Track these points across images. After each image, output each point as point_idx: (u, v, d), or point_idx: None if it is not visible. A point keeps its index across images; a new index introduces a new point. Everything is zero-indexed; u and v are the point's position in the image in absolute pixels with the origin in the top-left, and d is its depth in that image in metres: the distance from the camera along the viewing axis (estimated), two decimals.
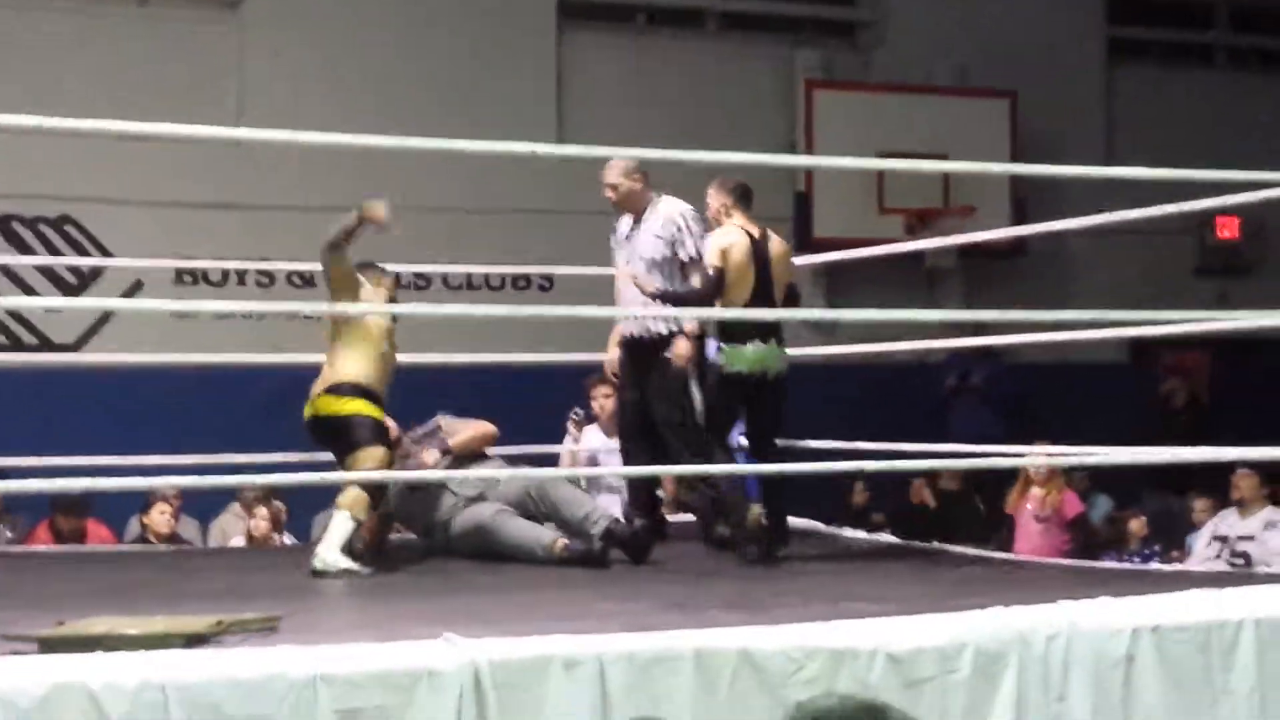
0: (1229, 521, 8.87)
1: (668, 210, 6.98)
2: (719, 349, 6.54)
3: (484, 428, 7.03)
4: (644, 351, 7.00)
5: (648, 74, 13.07)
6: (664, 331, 6.91)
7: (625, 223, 7.12)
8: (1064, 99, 13.99)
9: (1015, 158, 13.01)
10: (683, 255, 6.91)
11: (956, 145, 12.39)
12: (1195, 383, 13.74)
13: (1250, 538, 8.70)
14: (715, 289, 6.42)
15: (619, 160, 6.94)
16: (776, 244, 6.68)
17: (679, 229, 6.92)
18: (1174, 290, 13.41)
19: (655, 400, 6.96)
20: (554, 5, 12.84)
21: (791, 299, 6.96)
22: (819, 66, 13.52)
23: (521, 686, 3.97)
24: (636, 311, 6.85)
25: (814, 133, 13.07)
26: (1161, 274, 13.95)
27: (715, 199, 6.64)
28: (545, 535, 6.40)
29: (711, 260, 6.45)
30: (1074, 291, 13.39)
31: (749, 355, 6.46)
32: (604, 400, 8.08)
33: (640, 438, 7.04)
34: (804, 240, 12.83)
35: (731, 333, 6.48)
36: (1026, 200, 13.21)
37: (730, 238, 6.51)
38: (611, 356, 7.26)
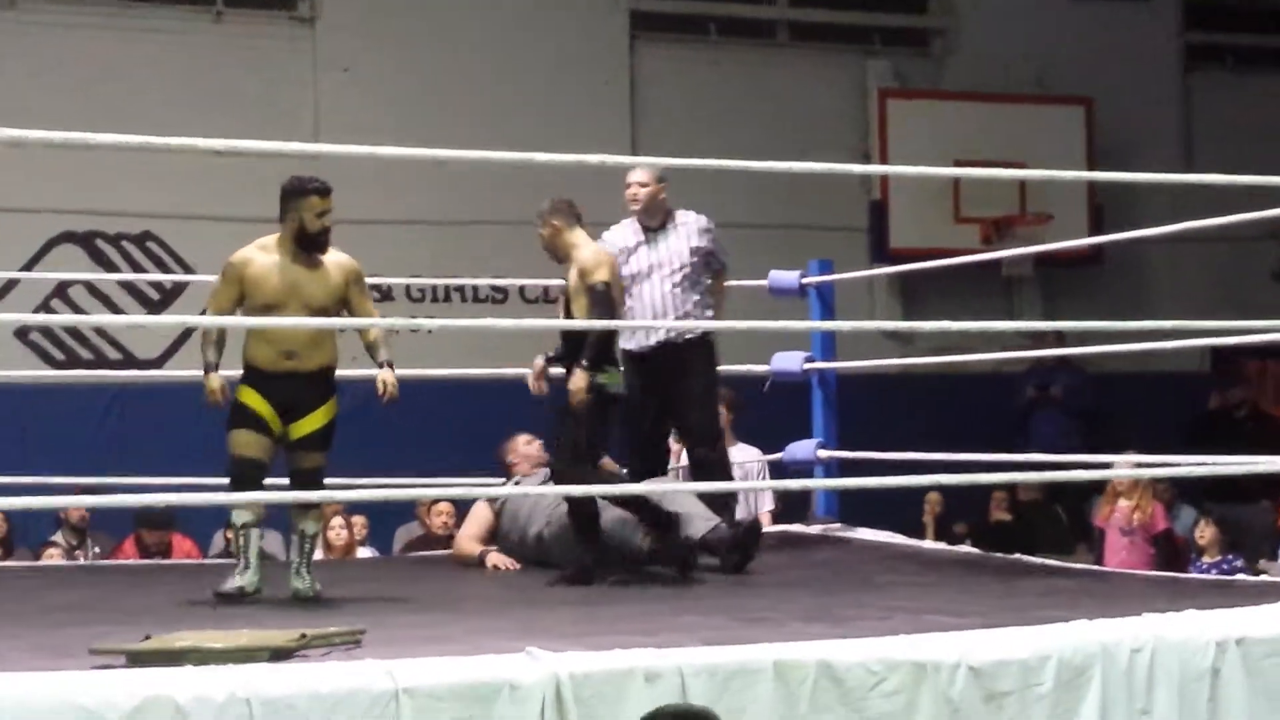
0: None
1: (694, 220, 7.09)
2: (599, 372, 6.22)
3: None
4: (666, 361, 6.98)
5: (720, 85, 13.08)
6: (689, 337, 6.95)
7: (628, 231, 7.13)
8: (1140, 105, 13.87)
9: (1091, 165, 12.93)
10: (714, 265, 7.10)
11: (1032, 153, 12.33)
12: (1261, 393, 13.59)
13: None
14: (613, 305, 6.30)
15: (645, 167, 7.07)
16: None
17: (714, 238, 7.09)
18: (1254, 297, 13.30)
19: (691, 409, 6.98)
20: (626, 18, 12.87)
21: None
22: (892, 75, 13.48)
23: (603, 699, 3.99)
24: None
25: (888, 142, 13.03)
26: (1241, 281, 13.82)
27: (561, 218, 6.42)
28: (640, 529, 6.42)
29: (603, 276, 6.24)
30: (1153, 299, 13.28)
31: (619, 375, 6.38)
32: None
33: (651, 452, 7.10)
34: (880, 250, 12.82)
35: (611, 354, 6.36)
36: (1104, 207, 13.12)
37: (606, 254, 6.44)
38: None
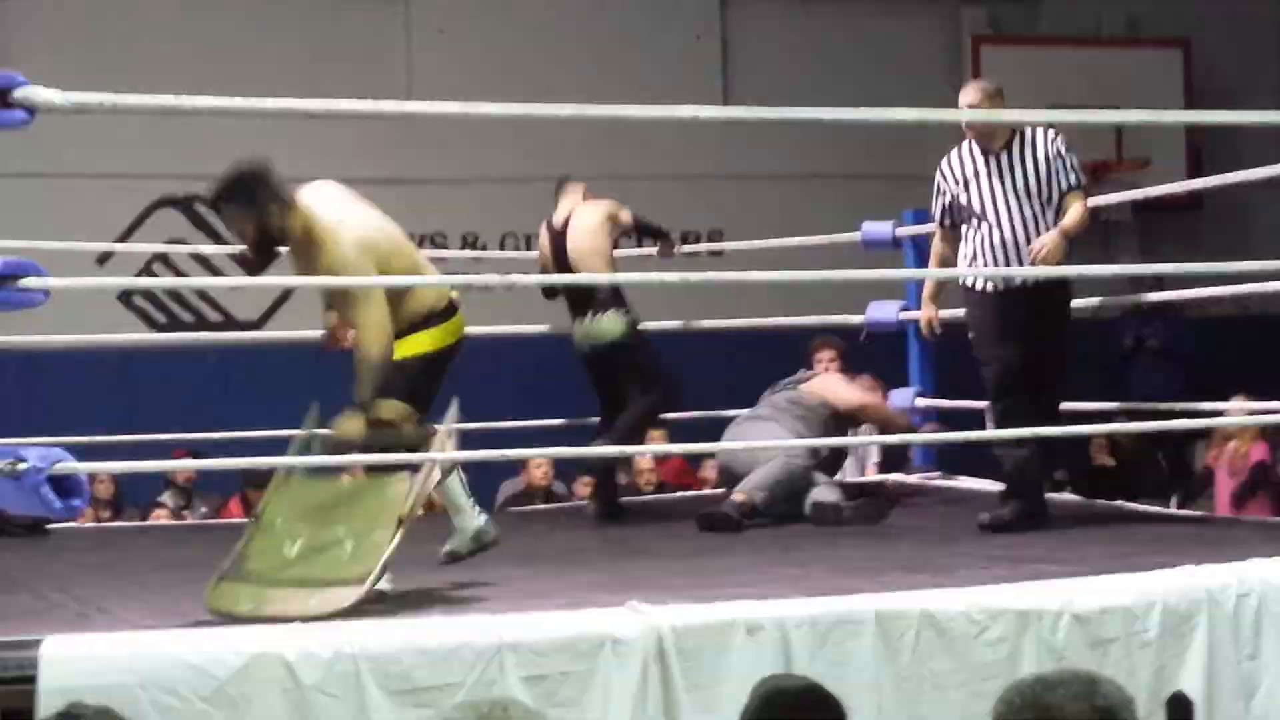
0: None
1: (1042, 136, 6.13)
2: None
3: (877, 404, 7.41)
4: (1025, 303, 6.15)
5: (813, 36, 12.98)
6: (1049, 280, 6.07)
7: (966, 156, 6.24)
8: (1239, 46, 13.63)
9: (1189, 107, 12.73)
10: (1063, 185, 6.12)
11: (1129, 97, 12.14)
12: None
13: None
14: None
15: (977, 82, 6.30)
16: (582, 219, 7.16)
17: (1058, 155, 6.11)
18: None
19: (1049, 355, 6.22)
20: None
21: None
22: (986, 22, 13.33)
23: (704, 652, 4.00)
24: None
25: None
26: None
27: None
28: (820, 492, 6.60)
29: None
30: (1254, 244, 13.04)
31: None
32: (829, 364, 7.59)
33: (1019, 394, 6.20)
34: None
35: None
36: (1203, 151, 12.93)
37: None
38: (927, 315, 6.85)
